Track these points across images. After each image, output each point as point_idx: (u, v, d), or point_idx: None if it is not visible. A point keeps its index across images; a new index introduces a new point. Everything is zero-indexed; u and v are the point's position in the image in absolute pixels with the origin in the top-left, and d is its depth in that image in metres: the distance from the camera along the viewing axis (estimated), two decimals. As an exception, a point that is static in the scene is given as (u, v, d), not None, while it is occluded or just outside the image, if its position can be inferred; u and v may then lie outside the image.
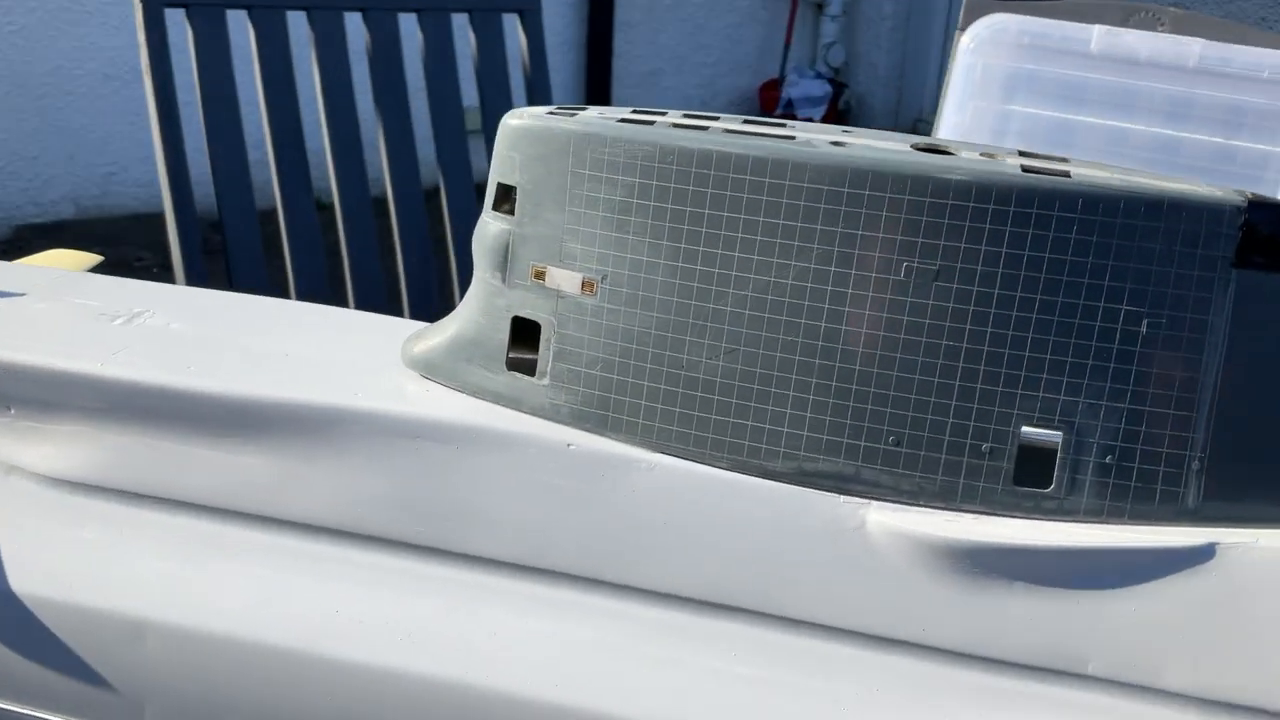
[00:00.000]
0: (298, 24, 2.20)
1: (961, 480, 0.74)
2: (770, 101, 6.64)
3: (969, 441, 0.74)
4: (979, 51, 2.92)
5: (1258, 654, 0.68)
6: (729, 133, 0.77)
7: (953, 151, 0.76)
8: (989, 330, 0.72)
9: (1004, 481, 0.74)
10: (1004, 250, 0.71)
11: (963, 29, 3.26)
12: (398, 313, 2.38)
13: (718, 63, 6.72)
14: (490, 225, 0.83)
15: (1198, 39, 2.70)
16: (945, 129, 3.00)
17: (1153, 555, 0.71)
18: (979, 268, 0.72)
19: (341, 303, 2.23)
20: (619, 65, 6.34)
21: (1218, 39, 2.77)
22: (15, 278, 1.05)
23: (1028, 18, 2.86)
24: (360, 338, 0.97)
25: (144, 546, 0.87)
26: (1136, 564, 0.71)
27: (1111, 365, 0.72)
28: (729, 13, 6.62)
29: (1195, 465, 0.72)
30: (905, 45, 6.81)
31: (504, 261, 0.83)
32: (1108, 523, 0.72)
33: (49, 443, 0.89)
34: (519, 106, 0.87)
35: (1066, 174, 0.72)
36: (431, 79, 2.38)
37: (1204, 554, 0.70)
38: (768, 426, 0.76)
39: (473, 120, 2.40)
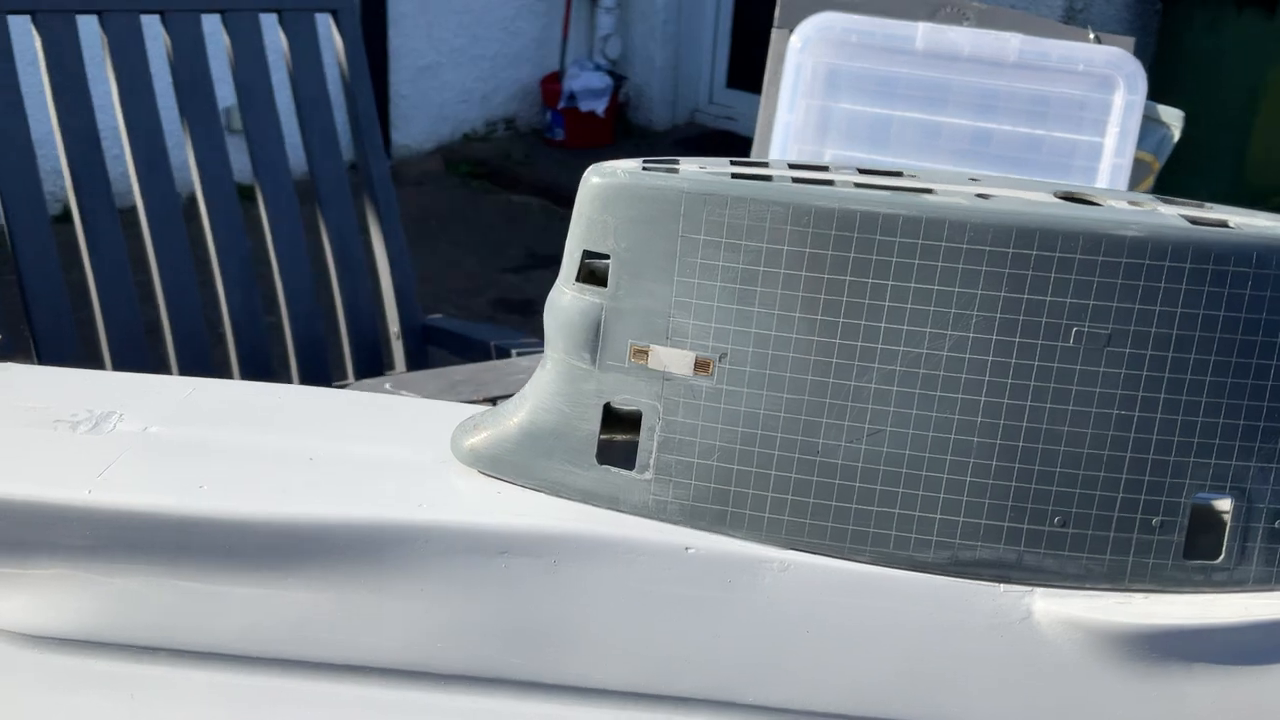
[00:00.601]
0: (89, 27, 1.97)
1: (1131, 558, 0.66)
2: (553, 95, 6.54)
3: (1139, 516, 0.66)
4: (808, 50, 2.91)
5: None
6: (864, 188, 0.66)
7: (1099, 201, 0.67)
8: (1161, 396, 0.65)
9: (1174, 556, 0.66)
10: (1178, 310, 0.63)
11: (780, 27, 3.25)
12: (216, 326, 2.20)
13: (496, 56, 6.56)
14: (574, 299, 0.69)
15: (1017, 34, 2.78)
16: (777, 128, 2.97)
17: None
18: (1152, 329, 0.64)
19: (152, 316, 2.06)
20: (395, 61, 6.08)
21: (1023, 33, 2.84)
22: None
23: (855, 16, 2.84)
24: (387, 428, 0.80)
25: (160, 712, 0.68)
26: None
27: None
28: (504, 5, 6.46)
29: None
30: (679, 38, 6.84)
31: (594, 341, 0.69)
32: (1275, 589, 0.66)
33: (25, 592, 0.69)
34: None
35: (1225, 223, 0.65)
36: (240, 82, 2.20)
37: None
38: (917, 514, 0.66)
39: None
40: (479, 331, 2.98)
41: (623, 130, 6.79)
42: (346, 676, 0.69)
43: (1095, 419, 0.65)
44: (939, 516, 0.66)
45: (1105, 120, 2.79)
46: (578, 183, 0.68)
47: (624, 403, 0.69)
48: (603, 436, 0.71)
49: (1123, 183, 2.86)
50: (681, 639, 0.67)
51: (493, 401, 2.00)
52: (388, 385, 2.16)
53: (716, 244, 0.66)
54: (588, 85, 6.53)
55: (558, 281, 0.72)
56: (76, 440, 0.75)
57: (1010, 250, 0.64)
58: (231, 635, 0.69)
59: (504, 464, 0.72)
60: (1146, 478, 0.65)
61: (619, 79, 6.71)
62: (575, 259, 0.70)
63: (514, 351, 2.87)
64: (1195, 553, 0.67)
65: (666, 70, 6.88)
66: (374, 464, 0.74)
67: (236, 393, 0.85)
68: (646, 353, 0.68)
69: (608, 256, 0.68)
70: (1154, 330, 0.64)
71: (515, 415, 0.73)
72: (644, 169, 0.68)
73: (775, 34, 3.38)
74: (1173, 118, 2.98)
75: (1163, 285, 0.64)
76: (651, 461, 0.69)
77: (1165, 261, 0.63)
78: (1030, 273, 0.64)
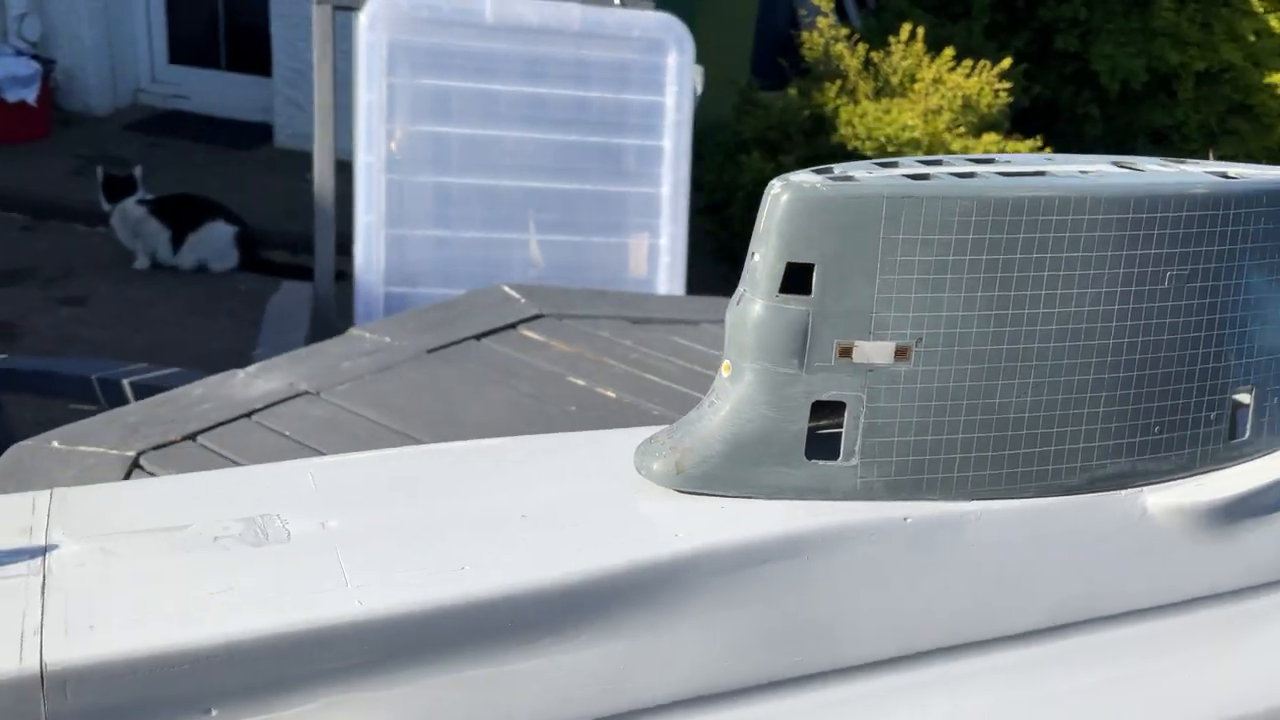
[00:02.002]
0: None
1: (1200, 448, 0.85)
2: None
3: (1203, 414, 0.85)
4: (377, 28, 2.89)
5: None
6: (1015, 175, 0.77)
7: (1143, 168, 0.84)
8: (1217, 317, 0.84)
9: (1224, 440, 0.87)
10: (1227, 247, 0.83)
11: (321, 3, 3.18)
12: None
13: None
14: (775, 310, 0.72)
15: (576, 4, 2.96)
16: (360, 108, 2.92)
17: None
18: (1211, 265, 0.82)
19: None
20: None
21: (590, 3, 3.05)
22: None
23: (421, -8, 2.87)
24: (545, 469, 0.77)
25: None
26: None
27: None
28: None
29: None
30: (107, 14, 6.25)
31: (801, 346, 0.73)
32: (1267, 454, 0.89)
33: None
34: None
35: (1226, 174, 0.85)
36: None
37: None
38: (1066, 447, 0.80)
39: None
40: (62, 366, 2.64)
41: (60, 119, 6.09)
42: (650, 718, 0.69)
43: (1180, 343, 0.83)
44: (1081, 446, 0.81)
45: (663, 80, 3.07)
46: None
47: (831, 398, 0.76)
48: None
49: (686, 138, 3.17)
50: (917, 599, 0.76)
51: (192, 438, 1.84)
52: (55, 443, 1.89)
53: (914, 240, 0.74)
54: (11, 73, 5.76)
55: (744, 296, 0.75)
56: (264, 553, 0.66)
57: (1129, 215, 0.80)
58: (536, 712, 0.66)
59: (713, 479, 0.75)
60: (1207, 383, 0.85)
61: (47, 63, 5.99)
62: (776, 272, 0.74)
63: (125, 381, 2.59)
64: (1235, 435, 0.88)
65: (99, 50, 6.26)
66: (582, 506, 0.74)
67: (357, 469, 0.78)
68: (851, 349, 0.75)
69: (811, 266, 0.74)
70: (1212, 266, 0.83)
71: (718, 433, 0.75)
72: (832, 180, 0.74)
73: (317, 10, 3.28)
74: (696, 74, 3.34)
75: (1218, 229, 0.83)
76: (857, 448, 0.76)
77: (1217, 210, 0.82)
78: (1141, 233, 0.80)
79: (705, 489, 0.76)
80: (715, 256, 5.28)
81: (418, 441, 1.73)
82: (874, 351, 0.76)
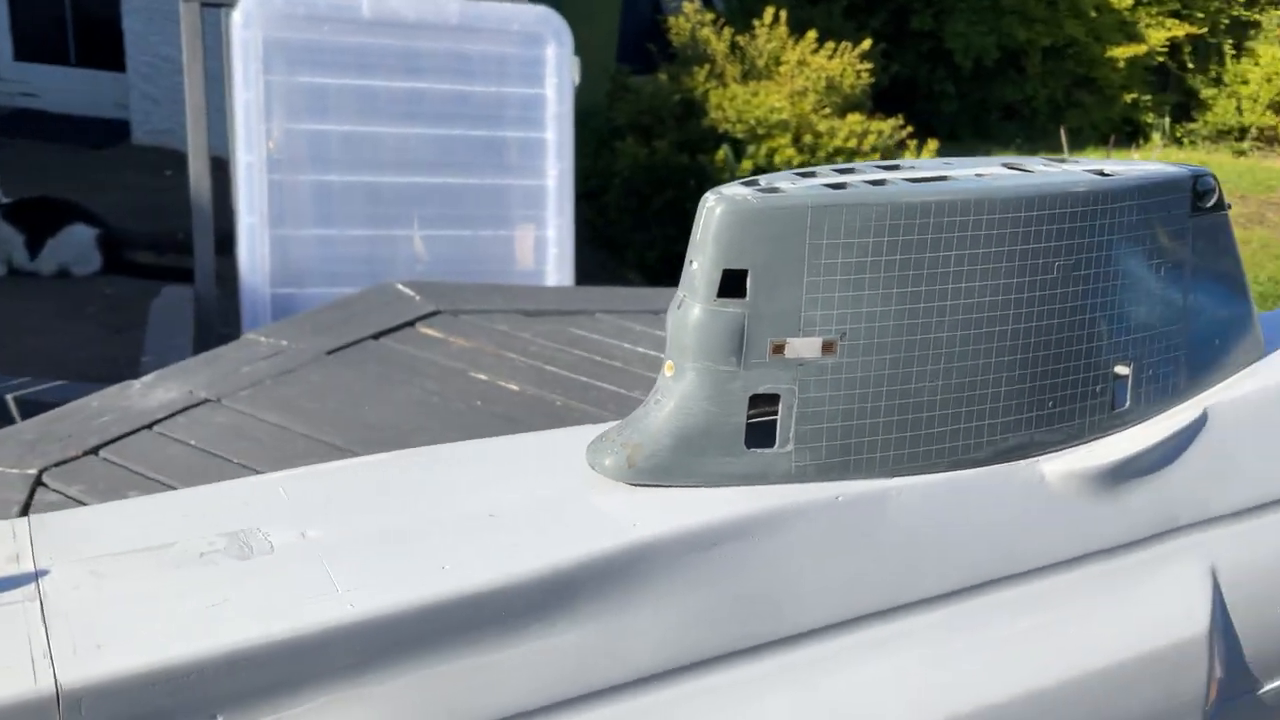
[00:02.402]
0: None
1: (1087, 419, 0.93)
2: None
3: (1090, 388, 0.93)
4: (252, 26, 2.84)
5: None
6: (921, 181, 0.83)
7: (1032, 169, 0.92)
8: (1099, 300, 0.92)
9: (1107, 411, 0.95)
10: (1105, 237, 0.90)
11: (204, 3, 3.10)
12: None
13: None
14: (714, 313, 0.78)
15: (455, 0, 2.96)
16: (238, 107, 2.87)
17: (1199, 424, 0.98)
18: (1093, 255, 0.90)
19: None
20: None
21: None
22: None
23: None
24: (503, 470, 0.81)
25: None
26: (1195, 433, 0.98)
27: (1159, 305, 0.96)
28: None
29: (1183, 358, 1.00)
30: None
31: (739, 345, 0.79)
32: (1143, 420, 0.97)
33: None
34: None
35: (1102, 171, 0.93)
36: None
37: (1201, 416, 1.00)
38: (974, 424, 0.87)
39: None
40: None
41: (-103, 122, 5.80)
42: (621, 695, 0.73)
43: (1068, 325, 0.91)
44: (986, 423, 0.88)
45: (543, 73, 3.09)
46: None
47: (765, 391, 0.81)
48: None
49: (568, 130, 3.19)
50: (850, 569, 0.82)
51: (94, 452, 1.81)
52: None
53: (836, 245, 0.80)
54: None
55: (683, 301, 0.80)
56: (252, 566, 0.68)
57: (1022, 214, 0.87)
58: (520, 695, 0.70)
59: (662, 471, 0.81)
60: (1092, 360, 0.93)
61: (-120, 62, 5.69)
62: (714, 278, 0.79)
63: (8, 397, 2.51)
64: (1117, 405, 0.96)
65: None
66: (544, 504, 0.78)
67: (327, 479, 0.80)
68: (783, 346, 0.81)
69: (744, 272, 0.79)
70: (1093, 255, 0.91)
71: (665, 427, 0.80)
72: (760, 192, 0.79)
73: (185, 7, 3.20)
74: (574, 65, 3.37)
75: (1097, 222, 0.91)
76: (791, 435, 0.82)
77: (1096, 205, 0.90)
78: (1033, 229, 0.87)
79: (655, 480, 0.82)
80: (594, 244, 5.32)
81: (328, 444, 1.74)
82: (803, 347, 0.82)
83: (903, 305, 0.84)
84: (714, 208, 0.79)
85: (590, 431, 0.86)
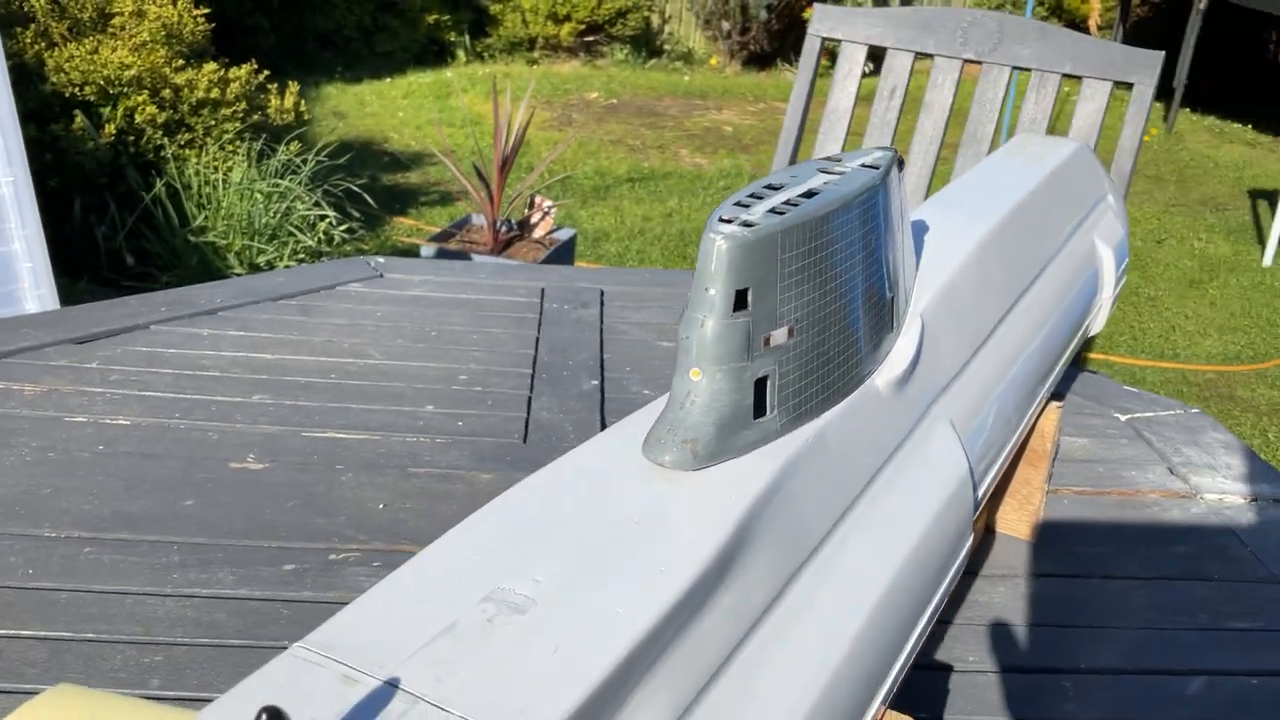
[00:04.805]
0: None
1: (887, 339, 1.21)
2: None
3: (887, 319, 1.20)
4: None
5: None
6: (817, 193, 1.03)
7: (846, 168, 1.14)
8: (886, 255, 1.18)
9: (890, 330, 1.23)
10: (886, 211, 1.17)
11: None
12: None
13: None
14: (728, 324, 0.94)
15: None
16: None
17: (921, 324, 1.30)
18: (884, 223, 1.17)
19: None
20: None
21: None
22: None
23: None
24: (615, 482, 0.89)
25: None
26: (920, 329, 1.29)
27: (901, 247, 1.24)
28: None
29: (908, 281, 1.31)
30: None
31: (747, 346, 0.96)
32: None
33: None
34: None
35: (865, 164, 1.19)
36: None
37: (920, 319, 1.32)
38: (851, 362, 1.12)
39: None
40: None
41: None
42: (768, 614, 0.88)
43: (880, 277, 1.16)
44: (855, 359, 1.12)
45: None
46: None
47: (763, 374, 0.97)
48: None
49: (15, 132, 2.75)
50: (826, 485, 1.03)
51: None
52: None
53: (789, 255, 0.98)
54: None
55: (695, 316, 0.93)
56: (538, 615, 0.72)
57: (867, 205, 1.08)
58: (723, 648, 0.81)
59: (710, 455, 0.95)
60: (886, 297, 1.19)
61: None
62: (728, 299, 0.93)
63: None
64: (895, 324, 1.23)
65: None
66: (664, 497, 0.89)
67: (479, 531, 0.80)
68: (770, 339, 0.97)
69: (746, 290, 0.94)
70: (883, 223, 1.16)
71: (701, 419, 0.95)
72: (745, 225, 0.94)
73: None
74: None
75: (880, 201, 1.15)
76: (775, 403, 1.00)
77: (879, 188, 1.14)
78: (860, 217, 1.09)
79: (709, 463, 0.97)
80: None
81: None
82: (779, 337, 1.00)
83: (819, 288, 1.05)
84: (723, 245, 0.95)
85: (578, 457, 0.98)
